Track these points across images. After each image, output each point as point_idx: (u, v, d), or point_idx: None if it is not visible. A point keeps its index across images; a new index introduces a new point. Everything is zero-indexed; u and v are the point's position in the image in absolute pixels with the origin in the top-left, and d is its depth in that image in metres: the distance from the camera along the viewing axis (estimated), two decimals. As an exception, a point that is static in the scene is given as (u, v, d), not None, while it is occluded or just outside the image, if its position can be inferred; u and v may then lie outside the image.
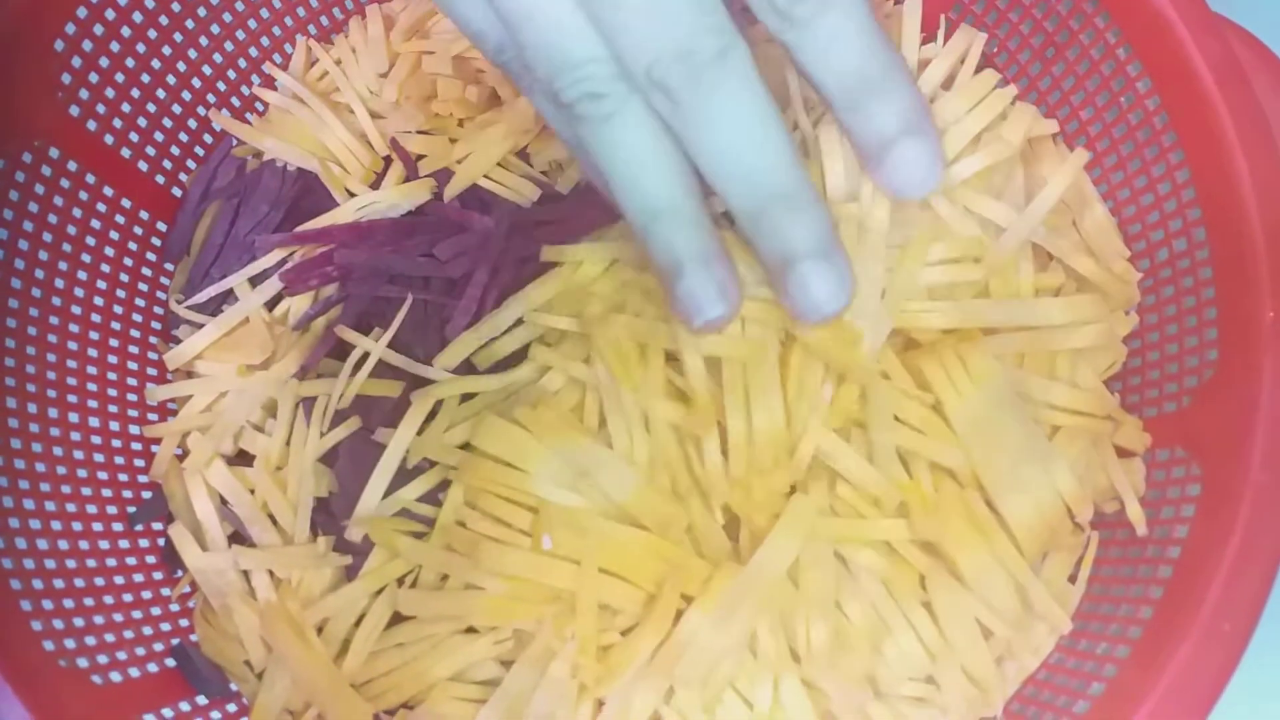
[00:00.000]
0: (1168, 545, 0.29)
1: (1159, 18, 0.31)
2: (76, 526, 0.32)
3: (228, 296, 0.37)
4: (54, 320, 0.34)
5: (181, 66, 0.38)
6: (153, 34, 0.36)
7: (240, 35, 0.39)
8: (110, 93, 0.35)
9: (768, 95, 0.25)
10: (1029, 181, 0.35)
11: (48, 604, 0.29)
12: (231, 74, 0.39)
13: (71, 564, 0.31)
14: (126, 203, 0.37)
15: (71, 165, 0.35)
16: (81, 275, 0.35)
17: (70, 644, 0.29)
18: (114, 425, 0.35)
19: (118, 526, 0.34)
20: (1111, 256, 0.34)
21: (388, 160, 0.38)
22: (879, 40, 0.25)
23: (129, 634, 0.31)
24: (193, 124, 0.39)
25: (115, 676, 0.30)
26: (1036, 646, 0.31)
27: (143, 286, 0.37)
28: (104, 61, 0.35)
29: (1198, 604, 0.27)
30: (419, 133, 0.38)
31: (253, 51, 0.40)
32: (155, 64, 0.37)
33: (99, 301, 0.36)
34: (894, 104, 0.26)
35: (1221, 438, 0.29)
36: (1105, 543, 0.32)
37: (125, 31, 0.35)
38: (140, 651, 0.31)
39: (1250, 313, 0.29)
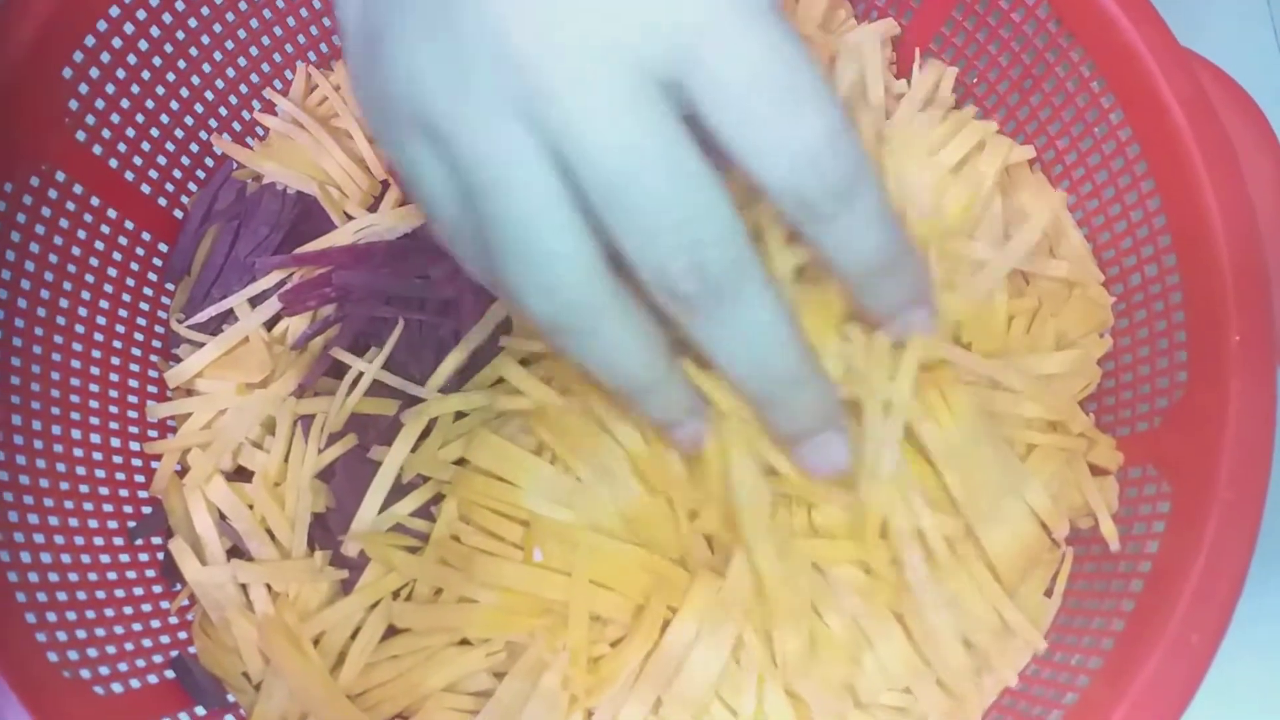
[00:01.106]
0: (1139, 560, 0.30)
1: (1130, 52, 0.33)
2: (79, 541, 0.33)
3: (228, 316, 0.38)
4: (58, 339, 0.35)
5: (184, 93, 0.39)
6: (157, 61, 0.37)
7: (242, 62, 0.40)
8: (115, 118, 0.36)
9: (779, 298, 0.24)
10: (1007, 210, 0.37)
11: (51, 616, 0.30)
12: (233, 99, 0.40)
13: (74, 577, 0.32)
14: (130, 224, 0.38)
15: (77, 189, 0.35)
16: (85, 295, 0.36)
17: (73, 655, 0.30)
18: (115, 442, 0.36)
19: (118, 541, 0.34)
20: (1086, 281, 0.36)
21: (385, 184, 0.39)
22: (893, 229, 0.25)
23: (129, 646, 0.32)
24: (195, 148, 0.40)
25: (116, 687, 0.30)
26: (1013, 659, 0.31)
27: (144, 306, 0.38)
28: (110, 88, 0.36)
29: (1167, 617, 0.28)
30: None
31: (254, 78, 0.41)
32: (159, 90, 0.38)
33: (101, 321, 0.36)
34: (904, 282, 0.27)
35: (1190, 457, 0.30)
36: (1079, 558, 0.33)
37: (131, 59, 0.36)
38: (141, 663, 0.32)
39: (1218, 337, 0.30)
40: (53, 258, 0.35)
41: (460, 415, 0.34)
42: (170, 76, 0.38)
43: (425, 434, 0.34)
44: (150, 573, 0.35)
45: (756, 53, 0.21)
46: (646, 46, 0.21)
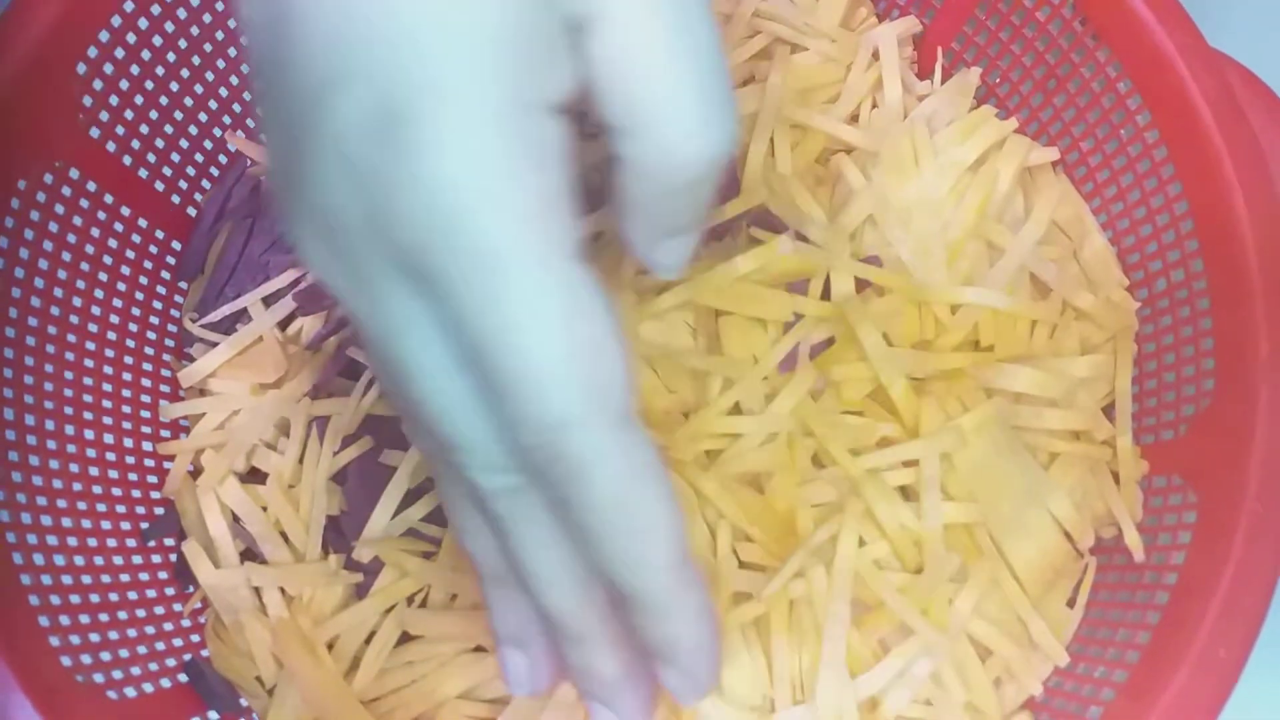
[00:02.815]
0: (1165, 572, 0.30)
1: (1159, 54, 0.32)
2: (91, 542, 0.33)
3: (241, 315, 0.37)
4: (71, 338, 0.34)
5: (198, 89, 0.38)
6: (171, 57, 0.37)
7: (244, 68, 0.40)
8: (129, 115, 0.36)
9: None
10: (1028, 214, 0.36)
11: (64, 619, 0.30)
12: (247, 96, 0.40)
13: (87, 580, 0.32)
14: (143, 222, 0.37)
15: (91, 185, 0.35)
16: (98, 293, 0.36)
17: (86, 659, 0.30)
18: (128, 442, 0.36)
19: (131, 543, 0.34)
20: (1110, 286, 0.35)
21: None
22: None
23: (142, 649, 0.32)
24: (208, 145, 0.39)
25: (130, 692, 0.30)
26: (1035, 670, 0.31)
27: (157, 305, 0.38)
28: (124, 85, 0.35)
29: (1194, 630, 0.28)
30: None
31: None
32: (173, 87, 0.37)
33: (115, 319, 0.36)
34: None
35: (1217, 467, 0.30)
36: (1103, 568, 0.32)
37: (145, 55, 0.36)
38: (153, 667, 0.32)
39: (1246, 345, 0.30)
40: (66, 255, 0.34)
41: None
42: (184, 73, 0.38)
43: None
44: (163, 575, 0.34)
45: (479, 319, 0.18)
46: (380, 250, 0.19)
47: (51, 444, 0.33)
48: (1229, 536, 0.28)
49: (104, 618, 0.31)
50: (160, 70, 0.37)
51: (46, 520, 0.31)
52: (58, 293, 0.34)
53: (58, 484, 0.32)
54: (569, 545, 0.21)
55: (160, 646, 0.32)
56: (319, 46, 0.18)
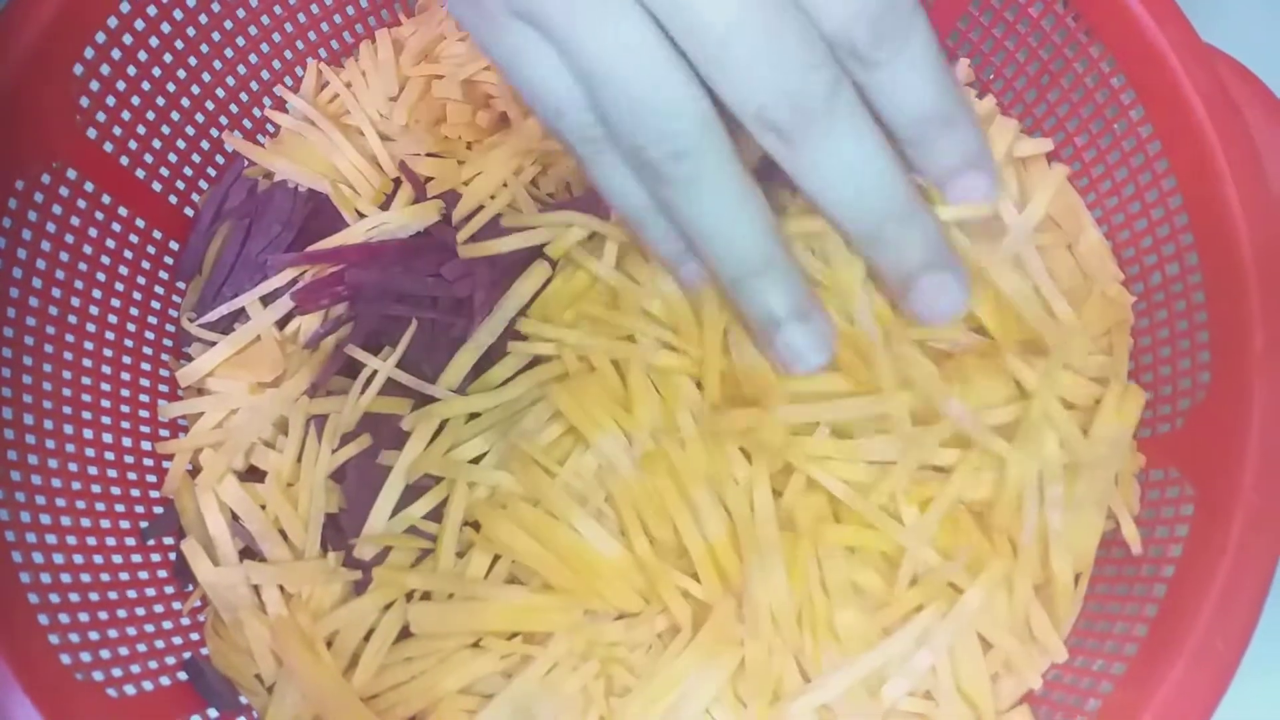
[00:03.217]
0: (1162, 564, 0.30)
1: (1152, 48, 0.32)
2: (91, 541, 0.33)
3: (239, 315, 0.38)
4: (69, 338, 0.34)
5: (195, 89, 0.38)
6: (168, 58, 0.37)
7: (253, 59, 0.40)
8: (126, 115, 0.36)
9: (874, 125, 0.26)
10: (1022, 205, 0.36)
11: (64, 618, 0.30)
12: (244, 96, 0.40)
13: (86, 578, 0.32)
14: (140, 222, 0.37)
15: (88, 186, 0.35)
16: (96, 294, 0.36)
17: (86, 657, 0.30)
18: (127, 441, 0.36)
19: (130, 541, 0.34)
20: (1106, 279, 0.35)
21: (397, 182, 0.39)
22: (946, 80, 0.26)
23: (142, 647, 0.32)
24: (206, 146, 0.40)
25: (129, 689, 0.30)
26: (1034, 663, 0.31)
27: (155, 305, 0.38)
28: (121, 85, 0.36)
29: (1191, 623, 0.28)
30: (428, 155, 0.39)
31: (265, 75, 0.40)
32: (170, 87, 0.37)
33: (113, 319, 0.36)
34: (959, 139, 0.27)
35: (1214, 460, 0.30)
36: (1101, 561, 0.32)
37: (142, 56, 0.36)
38: (153, 665, 0.32)
39: (1241, 338, 0.30)
40: (64, 255, 0.34)
41: (472, 417, 0.34)
42: (181, 73, 0.38)
43: (438, 431, 0.34)
44: (162, 573, 0.34)
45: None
46: None
47: (50, 443, 0.33)
48: (1226, 529, 0.28)
49: (103, 616, 0.31)
50: (157, 71, 0.37)
51: (46, 519, 0.31)
52: (55, 293, 0.34)
53: (57, 483, 0.32)
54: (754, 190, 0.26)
55: (159, 644, 0.32)
56: None
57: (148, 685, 0.31)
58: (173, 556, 0.35)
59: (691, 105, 0.24)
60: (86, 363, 0.35)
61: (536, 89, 0.26)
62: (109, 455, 0.35)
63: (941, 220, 0.29)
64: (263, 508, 0.34)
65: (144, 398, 0.37)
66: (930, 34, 0.25)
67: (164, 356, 0.38)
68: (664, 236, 0.29)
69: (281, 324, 0.37)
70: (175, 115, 0.38)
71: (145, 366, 0.37)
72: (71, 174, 0.34)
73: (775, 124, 0.25)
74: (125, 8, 0.35)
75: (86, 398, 0.35)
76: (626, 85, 0.24)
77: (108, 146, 0.36)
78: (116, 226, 0.36)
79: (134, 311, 0.37)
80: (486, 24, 0.25)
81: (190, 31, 0.37)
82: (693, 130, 0.25)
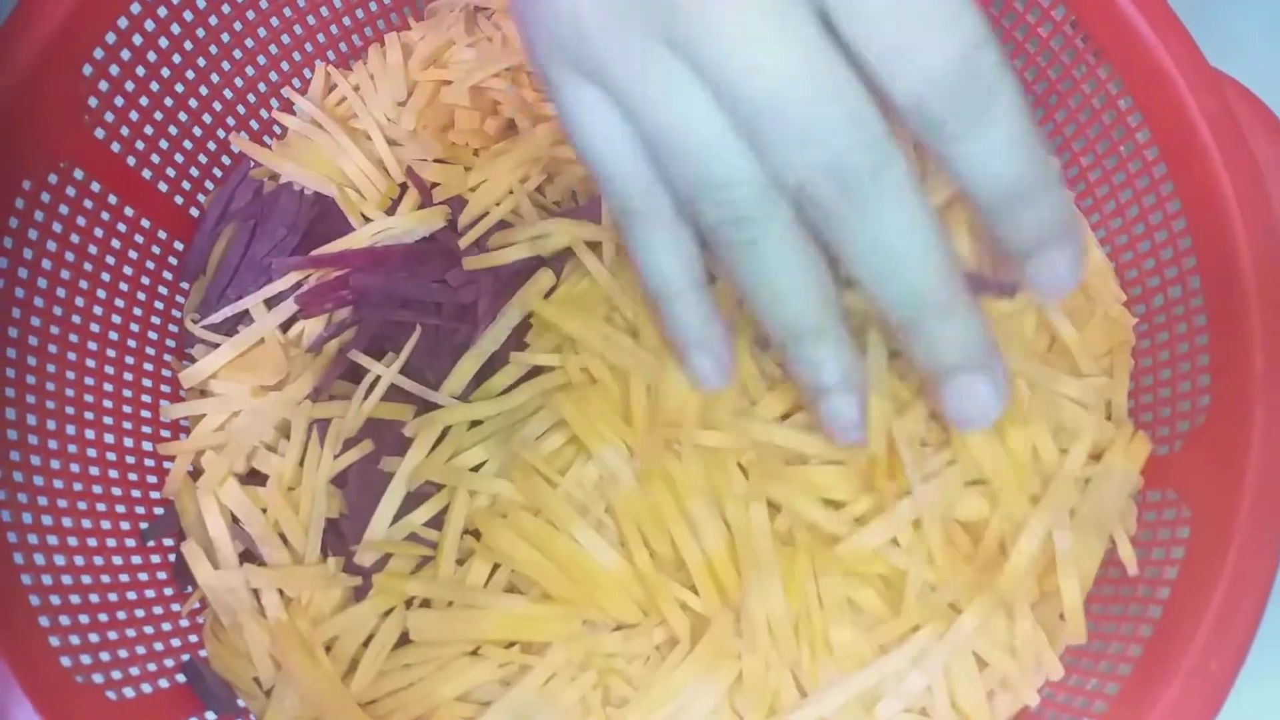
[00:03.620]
0: (1158, 586, 0.30)
1: (1159, 71, 0.33)
2: (91, 543, 0.33)
3: (243, 317, 0.38)
4: (73, 338, 0.34)
5: (203, 90, 0.38)
6: (176, 59, 0.37)
7: (261, 60, 0.40)
8: (134, 116, 0.36)
9: (925, 207, 0.24)
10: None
11: (64, 620, 0.30)
12: (251, 98, 0.40)
13: (87, 580, 0.32)
14: (146, 223, 0.37)
15: (95, 186, 0.35)
16: (101, 293, 0.36)
17: (86, 659, 0.30)
18: (128, 442, 0.36)
19: (130, 543, 0.34)
20: (1108, 300, 0.35)
21: (403, 187, 0.39)
22: (1031, 153, 0.24)
23: (141, 650, 0.32)
24: (212, 146, 0.40)
25: (128, 692, 0.30)
26: (1030, 681, 0.31)
27: (159, 305, 0.38)
28: (129, 86, 0.36)
29: (1186, 644, 0.28)
30: (434, 161, 0.39)
31: (272, 76, 0.40)
32: (178, 88, 0.37)
33: (117, 319, 0.36)
34: (1043, 213, 0.25)
35: (1211, 483, 0.30)
36: (1097, 581, 0.32)
37: (150, 56, 0.36)
38: (152, 667, 0.32)
39: (1241, 362, 0.30)
40: (69, 255, 0.34)
41: (475, 424, 0.34)
42: (189, 74, 0.38)
43: (440, 438, 0.34)
44: (162, 575, 0.34)
45: (745, 72, 0.22)
46: (658, 26, 0.23)
47: (53, 444, 0.33)
48: (1222, 552, 0.28)
49: (103, 618, 0.31)
50: (165, 72, 0.37)
51: (47, 520, 0.31)
52: (60, 293, 0.34)
53: (58, 484, 0.32)
54: (813, 257, 0.26)
55: (159, 647, 0.32)
56: None
57: (147, 688, 0.31)
58: (173, 558, 0.35)
59: (748, 175, 0.24)
60: (90, 363, 0.35)
61: (597, 149, 0.26)
62: (110, 456, 0.35)
63: (986, 319, 0.27)
64: (264, 511, 0.34)
65: (146, 398, 0.37)
66: (1017, 102, 0.23)
67: (167, 357, 0.38)
68: (687, 321, 0.29)
69: (285, 327, 0.37)
70: (183, 116, 0.38)
71: (148, 367, 0.37)
72: (78, 174, 0.35)
73: (814, 200, 0.24)
74: (135, 9, 0.35)
75: (89, 398, 0.35)
76: (687, 155, 0.24)
77: (115, 146, 0.36)
78: (122, 226, 0.36)
79: (138, 312, 0.37)
80: (555, 72, 0.25)
81: (199, 33, 0.37)
82: (750, 198, 0.24)
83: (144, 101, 0.36)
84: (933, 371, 0.27)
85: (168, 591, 0.34)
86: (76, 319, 0.35)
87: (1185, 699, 0.27)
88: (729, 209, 0.25)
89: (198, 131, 0.39)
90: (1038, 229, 0.26)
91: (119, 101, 0.36)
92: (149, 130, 0.37)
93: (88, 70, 0.34)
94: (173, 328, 0.38)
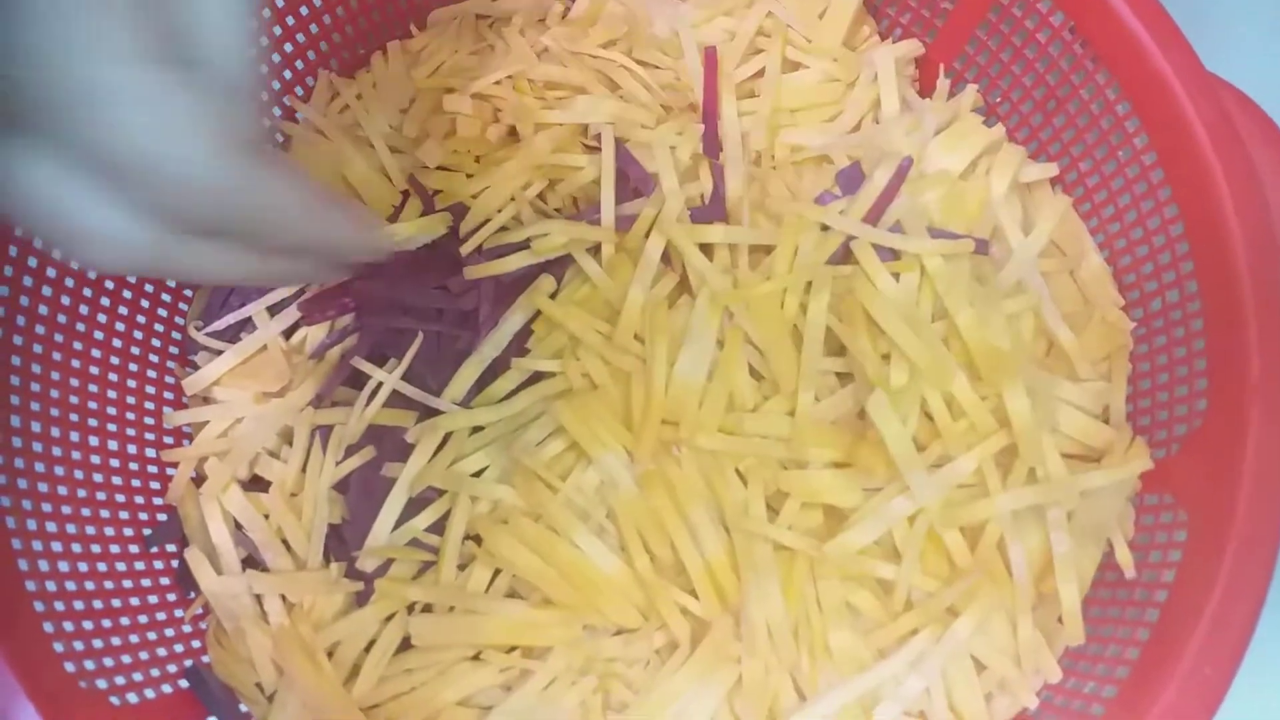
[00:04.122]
0: (1155, 589, 0.30)
1: (1157, 77, 0.33)
2: (95, 549, 0.33)
3: (246, 324, 0.38)
4: (77, 345, 0.35)
5: (206, 99, 0.39)
6: (180, 68, 0.37)
7: (263, 69, 0.40)
8: (137, 124, 0.36)
9: None
10: (1026, 229, 0.36)
11: (68, 625, 0.30)
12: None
13: (90, 585, 0.32)
14: (149, 230, 0.38)
15: (98, 194, 0.35)
16: (104, 301, 0.36)
17: (90, 665, 0.30)
18: (132, 449, 0.36)
19: (134, 549, 0.34)
20: (1106, 305, 0.36)
21: (405, 194, 0.39)
22: None
23: (144, 655, 0.32)
24: (215, 154, 0.40)
25: (132, 697, 0.31)
26: (1029, 684, 0.31)
27: (162, 313, 0.38)
28: (132, 94, 0.36)
29: (1183, 648, 0.28)
30: (437, 169, 0.39)
31: (275, 84, 0.41)
32: (181, 96, 0.38)
33: (120, 327, 0.36)
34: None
35: (1208, 486, 0.30)
36: (1095, 584, 0.33)
37: (154, 66, 0.36)
38: (155, 673, 0.32)
39: (1238, 366, 0.30)
40: (74, 264, 0.35)
41: (476, 430, 0.34)
42: (192, 83, 0.38)
43: (441, 444, 0.34)
44: (165, 581, 0.35)
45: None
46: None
47: (57, 450, 0.33)
48: (1219, 555, 0.29)
49: (107, 624, 0.32)
50: (169, 80, 0.37)
51: (51, 527, 0.32)
52: (65, 300, 0.34)
53: (63, 490, 0.33)
54: None
55: (162, 652, 0.33)
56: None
57: (150, 693, 0.31)
58: (176, 564, 0.35)
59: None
60: (93, 370, 0.35)
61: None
62: (114, 462, 0.35)
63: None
64: (266, 517, 0.35)
65: (149, 405, 0.37)
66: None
67: (170, 364, 0.38)
68: None
69: (288, 334, 0.37)
70: (185, 124, 0.38)
71: (151, 374, 0.37)
72: (82, 182, 0.35)
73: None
74: (138, 18, 0.35)
75: (93, 405, 0.35)
76: None
77: (118, 155, 0.36)
78: (126, 234, 0.37)
79: (141, 319, 0.37)
80: None
81: (202, 42, 0.37)
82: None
83: (147, 110, 0.37)
84: None
85: (171, 597, 0.34)
86: (81, 327, 0.35)
87: (1182, 701, 0.27)
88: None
89: (201, 139, 0.39)
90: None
91: (122, 110, 0.36)
92: (152, 138, 0.37)
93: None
94: (176, 335, 0.39)
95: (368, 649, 0.33)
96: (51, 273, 0.34)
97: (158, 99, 0.22)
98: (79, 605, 0.31)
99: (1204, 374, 0.32)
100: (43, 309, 0.33)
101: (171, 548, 0.35)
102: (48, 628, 0.30)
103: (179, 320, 0.39)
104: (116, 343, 0.36)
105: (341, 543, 0.34)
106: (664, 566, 0.32)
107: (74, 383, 0.34)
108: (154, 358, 0.38)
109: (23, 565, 0.30)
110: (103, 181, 0.22)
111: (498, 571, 0.33)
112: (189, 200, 0.23)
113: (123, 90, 0.21)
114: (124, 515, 0.35)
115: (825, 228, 0.35)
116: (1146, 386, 0.34)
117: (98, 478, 0.34)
